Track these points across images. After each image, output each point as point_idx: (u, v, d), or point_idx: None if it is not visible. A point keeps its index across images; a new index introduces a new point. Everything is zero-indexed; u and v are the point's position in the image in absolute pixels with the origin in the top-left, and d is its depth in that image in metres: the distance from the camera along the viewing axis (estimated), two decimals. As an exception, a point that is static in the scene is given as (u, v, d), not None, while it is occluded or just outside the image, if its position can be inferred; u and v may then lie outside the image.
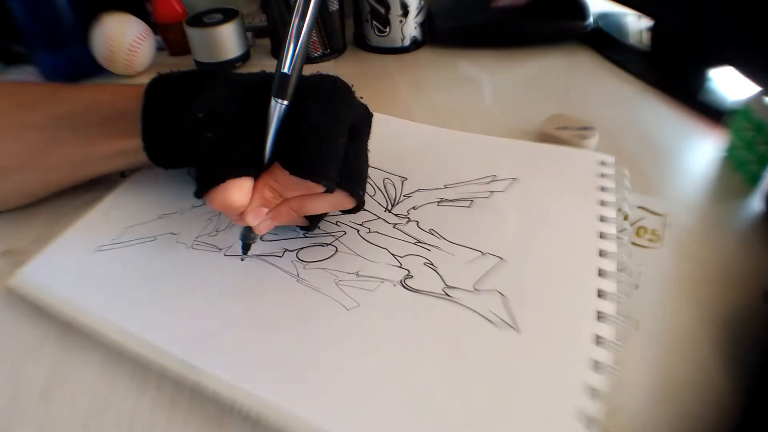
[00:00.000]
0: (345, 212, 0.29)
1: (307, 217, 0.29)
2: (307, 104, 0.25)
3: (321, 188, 0.25)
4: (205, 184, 0.25)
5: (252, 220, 0.26)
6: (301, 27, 0.25)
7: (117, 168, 0.34)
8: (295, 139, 0.25)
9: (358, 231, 0.31)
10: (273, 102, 0.25)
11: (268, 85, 0.26)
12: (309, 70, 0.26)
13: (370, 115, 0.29)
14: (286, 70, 0.25)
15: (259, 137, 0.26)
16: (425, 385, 0.22)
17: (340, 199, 0.27)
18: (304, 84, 0.26)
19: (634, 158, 0.38)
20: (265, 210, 0.26)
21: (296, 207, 0.27)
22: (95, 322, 0.26)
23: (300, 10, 0.24)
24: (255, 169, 0.26)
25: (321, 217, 0.30)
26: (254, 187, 0.26)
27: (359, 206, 0.28)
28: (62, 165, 0.32)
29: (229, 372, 0.23)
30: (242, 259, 0.29)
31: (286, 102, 0.25)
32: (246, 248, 0.29)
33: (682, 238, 0.31)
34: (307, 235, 0.31)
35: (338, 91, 0.26)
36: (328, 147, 0.25)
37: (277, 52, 0.57)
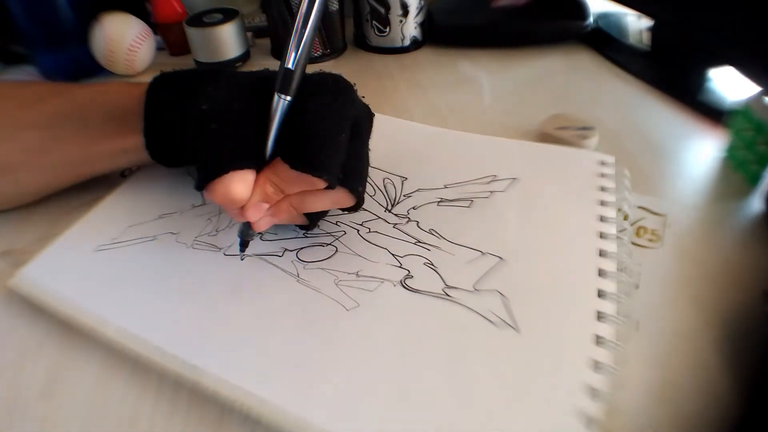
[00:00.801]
0: (344, 210, 0.29)
1: (307, 215, 0.29)
2: (310, 101, 0.25)
3: (322, 184, 0.25)
4: (207, 176, 0.24)
5: (252, 216, 0.26)
6: (307, 22, 0.25)
7: (119, 166, 0.34)
8: (297, 135, 0.25)
9: (358, 231, 0.31)
10: (276, 97, 0.25)
11: (270, 81, 0.26)
12: (310, 69, 0.26)
13: (372, 115, 0.29)
14: (290, 65, 0.25)
15: (261, 132, 0.26)
16: (425, 385, 0.22)
17: (340, 197, 0.27)
18: (306, 81, 0.26)
19: (634, 158, 0.38)
20: (266, 206, 0.26)
21: (296, 204, 0.27)
22: (95, 322, 0.26)
23: (306, 4, 0.24)
24: (257, 163, 0.26)
25: (321, 215, 0.30)
26: (255, 182, 0.26)
27: (359, 204, 0.28)
28: (63, 164, 0.32)
29: (228, 372, 0.23)
30: (242, 258, 0.29)
31: (289, 98, 0.25)
32: (244, 245, 0.28)
33: (682, 238, 0.31)
34: (307, 235, 0.31)
35: (340, 89, 0.26)
36: (330, 144, 0.25)
37: (278, 52, 0.57)
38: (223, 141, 0.24)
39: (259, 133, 0.26)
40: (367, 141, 0.29)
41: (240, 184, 0.25)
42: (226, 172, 0.24)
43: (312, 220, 0.29)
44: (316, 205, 0.28)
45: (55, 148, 0.31)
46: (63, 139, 0.31)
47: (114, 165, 0.34)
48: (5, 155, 0.31)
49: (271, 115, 0.25)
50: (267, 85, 0.26)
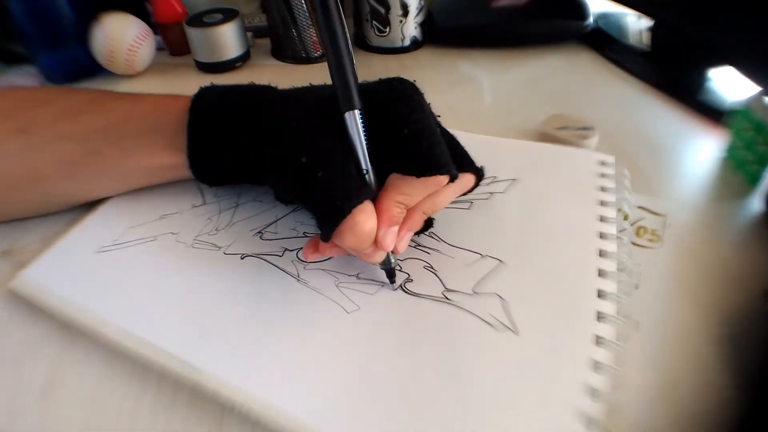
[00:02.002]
0: (466, 193, 0.30)
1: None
2: (396, 109, 0.25)
3: (446, 180, 0.25)
4: (332, 223, 0.24)
5: (389, 244, 0.25)
6: (337, 30, 0.24)
7: (157, 182, 0.33)
8: (402, 145, 0.25)
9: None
10: (348, 116, 0.25)
11: (327, 99, 0.25)
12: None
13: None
14: (348, 80, 0.24)
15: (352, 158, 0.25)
16: (425, 388, 0.22)
17: (465, 182, 0.28)
18: (372, 91, 0.26)
19: (634, 158, 0.38)
20: (396, 229, 0.25)
21: (429, 208, 0.27)
22: (96, 323, 0.26)
23: (336, 14, 0.24)
24: (368, 192, 0.25)
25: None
26: (378, 211, 0.25)
27: (480, 179, 0.29)
28: (100, 177, 0.32)
29: (229, 372, 0.23)
30: (394, 289, 0.27)
31: (359, 111, 0.25)
32: (392, 275, 0.27)
33: (682, 238, 0.31)
34: (308, 234, 0.31)
35: (409, 87, 0.26)
36: (436, 138, 0.25)
37: (278, 52, 0.57)
38: (335, 184, 0.24)
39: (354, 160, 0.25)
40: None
41: (365, 216, 0.24)
42: (350, 211, 0.23)
43: (429, 220, 0.30)
44: (445, 200, 0.28)
45: (92, 162, 0.31)
46: (101, 152, 0.30)
47: (152, 181, 0.33)
48: (40, 166, 0.30)
49: (351, 137, 0.25)
50: (325, 104, 0.26)
